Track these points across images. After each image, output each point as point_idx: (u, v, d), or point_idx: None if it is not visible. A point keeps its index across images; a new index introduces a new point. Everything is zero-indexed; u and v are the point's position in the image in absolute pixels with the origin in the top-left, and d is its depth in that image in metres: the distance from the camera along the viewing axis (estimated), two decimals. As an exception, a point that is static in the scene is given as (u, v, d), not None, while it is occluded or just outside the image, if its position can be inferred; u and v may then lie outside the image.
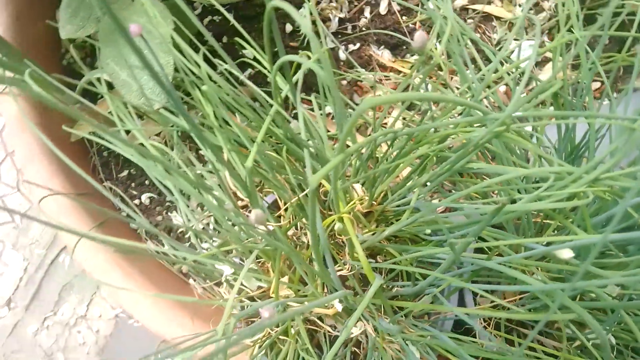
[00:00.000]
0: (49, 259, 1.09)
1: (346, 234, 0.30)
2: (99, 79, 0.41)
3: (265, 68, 0.41)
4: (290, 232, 0.36)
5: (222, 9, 0.32)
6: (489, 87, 0.35)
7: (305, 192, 0.31)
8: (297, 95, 0.28)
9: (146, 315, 0.45)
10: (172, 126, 0.40)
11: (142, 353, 1.04)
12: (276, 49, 0.27)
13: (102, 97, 0.55)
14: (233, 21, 0.33)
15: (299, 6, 0.55)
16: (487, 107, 0.37)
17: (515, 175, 0.23)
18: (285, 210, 0.37)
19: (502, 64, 0.52)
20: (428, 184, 0.30)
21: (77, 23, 0.41)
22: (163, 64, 0.35)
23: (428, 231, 0.30)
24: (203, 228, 0.50)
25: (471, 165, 0.26)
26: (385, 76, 0.55)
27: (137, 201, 0.55)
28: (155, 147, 0.37)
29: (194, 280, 0.52)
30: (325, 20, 0.55)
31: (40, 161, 0.47)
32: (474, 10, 0.56)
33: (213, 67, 0.37)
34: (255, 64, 0.41)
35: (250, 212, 0.42)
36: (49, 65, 0.55)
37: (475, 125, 0.26)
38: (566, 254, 0.22)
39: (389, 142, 0.30)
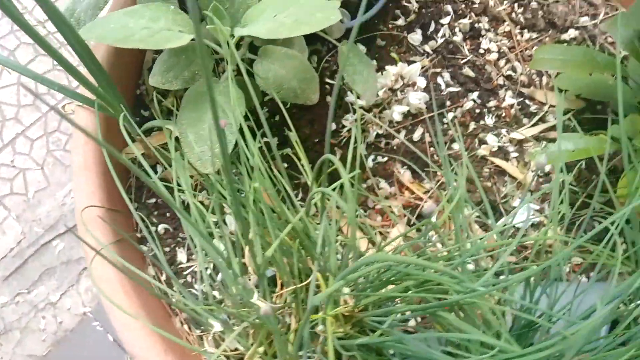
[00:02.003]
0: (43, 240, 1.13)
1: (325, 333, 0.36)
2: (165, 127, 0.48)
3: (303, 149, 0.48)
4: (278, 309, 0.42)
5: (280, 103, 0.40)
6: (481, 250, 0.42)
7: (304, 284, 0.37)
8: (323, 210, 0.34)
9: (129, 337, 0.50)
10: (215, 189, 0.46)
11: (95, 357, 1.05)
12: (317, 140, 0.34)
13: (155, 130, 0.62)
14: (285, 114, 0.40)
15: (348, 110, 0.63)
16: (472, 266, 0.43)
17: (468, 338, 0.28)
18: (282, 287, 0.42)
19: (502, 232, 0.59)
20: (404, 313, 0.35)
21: (166, 77, 0.49)
22: (227, 142, 0.42)
23: (392, 351, 0.35)
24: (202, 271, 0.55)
25: (441, 314, 0.32)
26: (400, 191, 0.62)
27: (154, 228, 0.61)
28: (195, 198, 0.43)
29: (177, 316, 0.57)
30: (365, 130, 0.63)
31: (90, 172, 0.54)
32: (492, 162, 0.63)
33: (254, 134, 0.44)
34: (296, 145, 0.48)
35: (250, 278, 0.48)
36: (124, 87, 0.63)
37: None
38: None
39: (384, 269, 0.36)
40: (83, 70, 0.46)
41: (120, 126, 0.48)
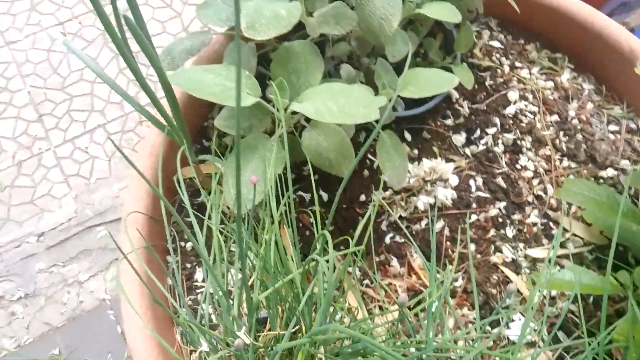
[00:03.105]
0: (90, 223, 1.24)
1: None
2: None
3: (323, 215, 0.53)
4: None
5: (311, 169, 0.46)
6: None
7: (283, 332, 0.42)
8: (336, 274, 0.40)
9: (131, 332, 0.56)
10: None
11: (100, 343, 1.13)
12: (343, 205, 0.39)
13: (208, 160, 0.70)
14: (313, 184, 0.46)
15: (379, 186, 0.69)
16: None
17: None
18: (269, 330, 0.47)
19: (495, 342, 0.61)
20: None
21: (228, 123, 0.57)
22: (257, 192, 0.49)
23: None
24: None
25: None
26: (409, 274, 0.66)
27: (182, 243, 0.68)
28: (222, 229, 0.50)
29: (178, 327, 0.62)
30: (390, 209, 0.68)
31: (142, 181, 0.62)
32: (502, 272, 0.66)
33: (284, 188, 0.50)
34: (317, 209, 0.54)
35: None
36: (195, 117, 0.73)
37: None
38: None
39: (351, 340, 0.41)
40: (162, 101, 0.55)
41: (181, 152, 0.56)
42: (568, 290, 0.55)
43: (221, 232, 0.57)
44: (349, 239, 0.53)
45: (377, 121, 0.60)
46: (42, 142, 1.30)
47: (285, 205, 0.49)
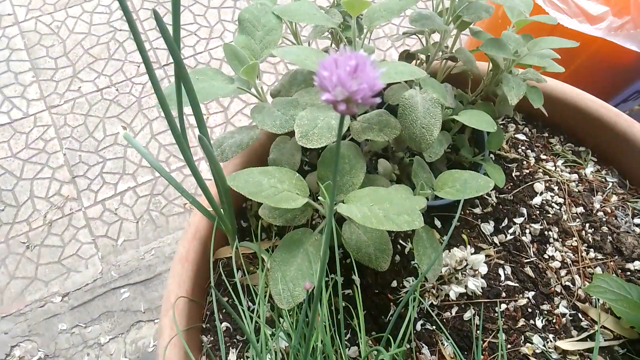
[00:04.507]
0: (115, 285, 1.26)
1: None
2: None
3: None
4: None
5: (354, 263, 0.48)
6: None
7: None
8: None
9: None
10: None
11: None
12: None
13: (247, 239, 0.73)
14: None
15: (411, 273, 0.71)
16: None
17: None
18: None
19: None
20: None
21: (272, 214, 0.60)
22: (300, 292, 0.51)
23: None
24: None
25: None
26: (439, 363, 0.66)
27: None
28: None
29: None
30: (421, 297, 0.69)
31: (186, 264, 0.65)
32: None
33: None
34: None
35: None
36: (235, 198, 0.76)
37: None
38: None
39: None
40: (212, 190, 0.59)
41: (228, 241, 0.59)
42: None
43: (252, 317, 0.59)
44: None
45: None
46: (74, 203, 1.35)
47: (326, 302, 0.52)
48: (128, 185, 1.38)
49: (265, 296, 0.63)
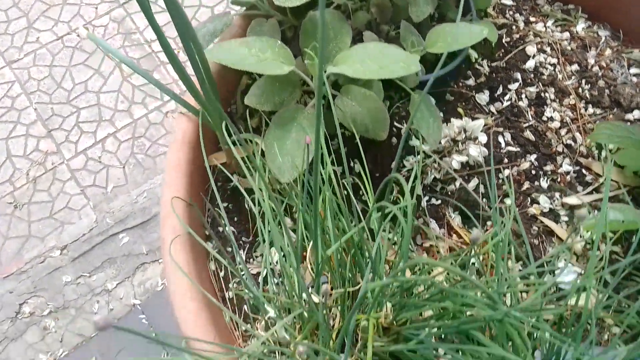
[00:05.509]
0: (112, 231, 1.24)
1: (365, 333, 0.40)
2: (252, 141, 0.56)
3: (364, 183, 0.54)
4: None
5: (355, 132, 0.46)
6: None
7: (355, 289, 0.42)
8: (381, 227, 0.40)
9: (185, 316, 0.56)
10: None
11: (135, 348, 1.13)
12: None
13: (235, 145, 0.71)
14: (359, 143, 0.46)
15: (410, 152, 0.69)
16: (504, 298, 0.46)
17: (491, 352, 0.32)
18: (331, 296, 0.47)
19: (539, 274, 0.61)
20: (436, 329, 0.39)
21: (259, 99, 0.57)
22: (303, 161, 0.49)
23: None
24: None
25: (474, 333, 0.36)
26: (448, 234, 0.66)
27: (220, 228, 0.68)
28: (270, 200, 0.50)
29: (229, 308, 0.62)
30: (423, 173, 0.68)
31: (178, 171, 0.62)
32: (542, 222, 0.66)
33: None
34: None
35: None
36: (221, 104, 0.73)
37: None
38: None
39: (426, 286, 0.41)
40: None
41: (213, 135, 0.56)
42: (618, 229, 0.56)
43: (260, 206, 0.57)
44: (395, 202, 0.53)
45: (402, 81, 0.61)
46: (55, 157, 1.30)
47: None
48: (107, 132, 1.33)
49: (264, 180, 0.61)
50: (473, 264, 0.56)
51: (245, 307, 0.61)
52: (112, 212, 1.26)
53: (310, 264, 0.46)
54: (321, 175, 0.47)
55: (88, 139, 1.32)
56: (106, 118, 1.35)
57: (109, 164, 1.30)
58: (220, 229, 0.69)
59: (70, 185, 1.28)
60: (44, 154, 1.31)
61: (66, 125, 1.34)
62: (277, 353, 0.42)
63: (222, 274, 0.67)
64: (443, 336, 0.42)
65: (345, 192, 0.68)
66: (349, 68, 0.46)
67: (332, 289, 0.47)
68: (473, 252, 0.39)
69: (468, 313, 0.41)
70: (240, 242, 0.68)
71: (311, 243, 0.45)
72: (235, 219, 0.69)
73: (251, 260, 0.67)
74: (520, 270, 0.63)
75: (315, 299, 0.40)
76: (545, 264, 0.64)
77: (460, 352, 0.36)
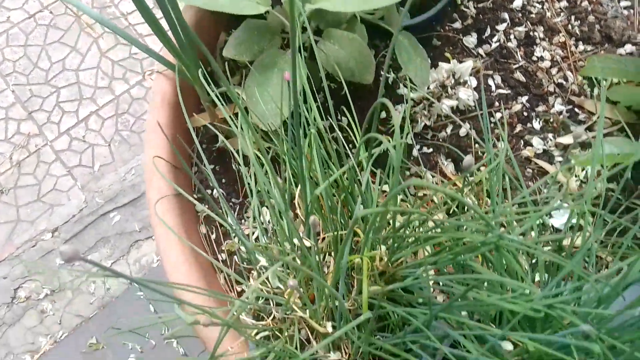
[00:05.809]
0: (102, 210, 1.22)
1: (360, 275, 0.39)
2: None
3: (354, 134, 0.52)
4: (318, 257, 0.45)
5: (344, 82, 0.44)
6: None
7: (346, 231, 0.41)
8: (368, 167, 0.38)
9: (180, 281, 0.55)
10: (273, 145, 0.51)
11: (135, 324, 1.12)
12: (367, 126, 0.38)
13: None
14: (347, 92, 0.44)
15: (399, 101, 0.67)
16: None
17: (490, 279, 0.31)
18: (323, 240, 0.46)
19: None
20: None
21: (238, 50, 0.54)
22: (288, 104, 0.47)
23: (420, 300, 0.38)
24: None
25: (470, 263, 0.34)
26: (441, 180, 0.65)
27: (209, 191, 0.67)
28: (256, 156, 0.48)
29: (222, 263, 0.61)
30: (413, 121, 0.66)
31: (160, 133, 0.60)
32: (536, 164, 0.65)
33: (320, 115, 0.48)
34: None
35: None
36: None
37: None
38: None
39: (420, 222, 0.39)
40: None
41: (194, 91, 0.54)
42: (614, 162, 0.54)
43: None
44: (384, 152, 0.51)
45: (389, 26, 0.58)
46: (37, 139, 1.27)
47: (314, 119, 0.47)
48: (90, 110, 1.30)
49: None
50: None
51: (240, 267, 0.60)
52: (101, 191, 1.24)
53: (300, 209, 0.45)
54: (305, 115, 0.45)
55: (70, 119, 1.29)
56: (87, 96, 1.31)
57: (94, 143, 1.27)
58: (209, 191, 0.67)
59: (56, 167, 1.25)
60: (26, 137, 1.28)
61: (46, 105, 1.30)
62: (271, 302, 0.41)
63: (213, 236, 0.65)
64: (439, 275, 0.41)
65: (335, 145, 0.66)
66: (330, 4, 0.44)
67: (324, 234, 0.45)
68: (466, 181, 0.38)
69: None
70: (231, 203, 0.66)
71: (299, 187, 0.43)
72: (224, 180, 0.67)
73: (242, 221, 0.65)
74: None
75: (307, 243, 0.39)
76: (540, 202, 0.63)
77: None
